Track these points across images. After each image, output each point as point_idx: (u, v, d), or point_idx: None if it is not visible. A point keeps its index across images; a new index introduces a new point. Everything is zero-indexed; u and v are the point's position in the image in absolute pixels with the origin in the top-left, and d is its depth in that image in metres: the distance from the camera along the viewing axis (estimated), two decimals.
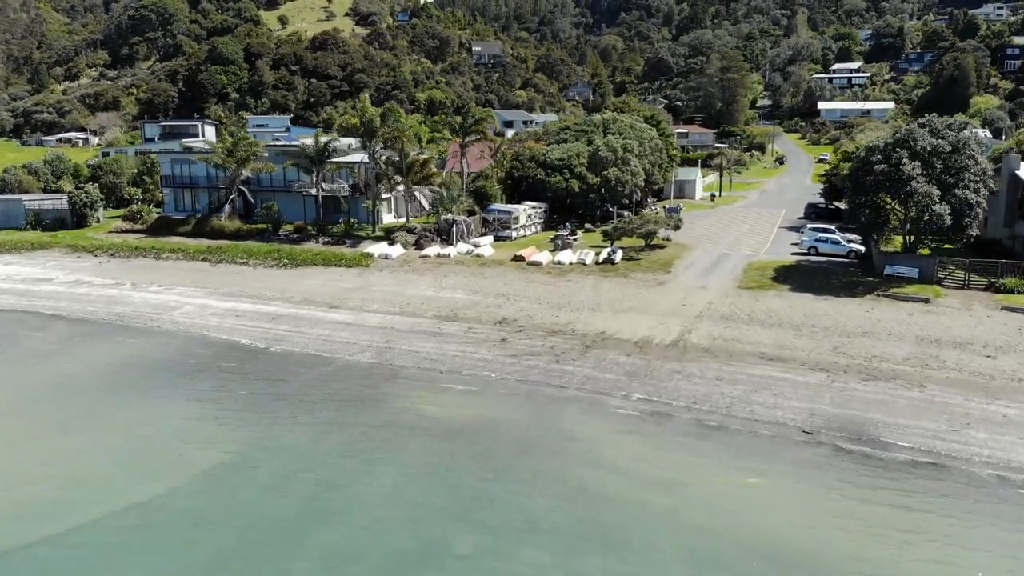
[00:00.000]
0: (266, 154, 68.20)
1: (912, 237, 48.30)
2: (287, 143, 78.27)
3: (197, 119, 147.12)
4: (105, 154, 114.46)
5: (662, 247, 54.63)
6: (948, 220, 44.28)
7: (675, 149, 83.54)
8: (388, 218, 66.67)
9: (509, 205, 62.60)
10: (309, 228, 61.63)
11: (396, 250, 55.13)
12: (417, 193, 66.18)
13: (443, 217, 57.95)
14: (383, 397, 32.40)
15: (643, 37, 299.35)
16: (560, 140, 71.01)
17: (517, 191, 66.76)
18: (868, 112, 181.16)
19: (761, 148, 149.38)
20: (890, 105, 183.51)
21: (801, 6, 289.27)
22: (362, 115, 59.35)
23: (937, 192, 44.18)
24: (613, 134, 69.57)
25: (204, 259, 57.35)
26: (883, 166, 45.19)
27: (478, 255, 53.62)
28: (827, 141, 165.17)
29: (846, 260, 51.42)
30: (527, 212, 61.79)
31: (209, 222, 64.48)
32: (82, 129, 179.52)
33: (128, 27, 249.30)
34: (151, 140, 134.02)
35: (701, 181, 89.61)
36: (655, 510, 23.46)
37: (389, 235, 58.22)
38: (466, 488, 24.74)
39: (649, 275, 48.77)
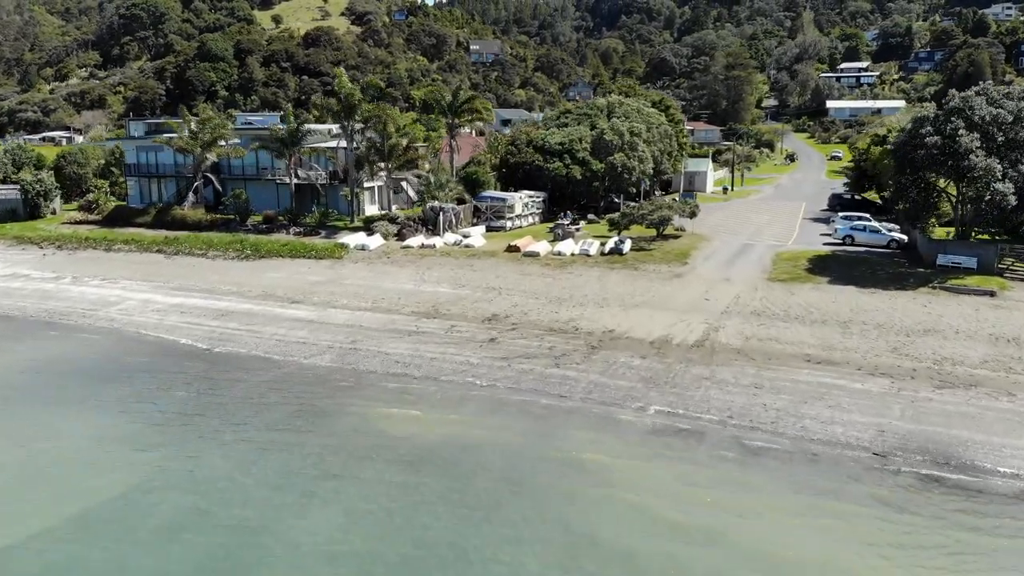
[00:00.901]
0: (237, 140, 61.84)
1: (962, 223, 41.92)
2: (259, 126, 71.84)
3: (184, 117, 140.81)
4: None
5: (676, 237, 48.20)
6: (1013, 200, 37.86)
7: (685, 137, 77.17)
8: (372, 209, 60.12)
9: (504, 193, 56.13)
10: (280, 218, 55.16)
11: (375, 240, 48.69)
12: (404, 184, 59.85)
13: (429, 205, 51.52)
14: (338, 410, 25.88)
15: (644, 40, 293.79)
16: (560, 124, 64.61)
17: (513, 179, 60.32)
18: (879, 111, 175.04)
19: (770, 146, 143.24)
20: (901, 103, 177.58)
21: (805, 8, 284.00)
22: (339, 91, 52.95)
23: (999, 167, 37.77)
24: (618, 118, 63.19)
25: (159, 251, 50.88)
26: (935, 138, 38.76)
27: (467, 246, 47.19)
28: (837, 139, 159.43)
29: (887, 250, 44.93)
30: (523, 201, 55.34)
31: (170, 212, 58.02)
32: (67, 128, 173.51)
33: (119, 27, 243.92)
34: (135, 138, 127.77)
35: (712, 174, 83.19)
36: (693, 573, 16.92)
37: (369, 225, 51.73)
38: (434, 537, 18.20)
39: (663, 267, 42.29)
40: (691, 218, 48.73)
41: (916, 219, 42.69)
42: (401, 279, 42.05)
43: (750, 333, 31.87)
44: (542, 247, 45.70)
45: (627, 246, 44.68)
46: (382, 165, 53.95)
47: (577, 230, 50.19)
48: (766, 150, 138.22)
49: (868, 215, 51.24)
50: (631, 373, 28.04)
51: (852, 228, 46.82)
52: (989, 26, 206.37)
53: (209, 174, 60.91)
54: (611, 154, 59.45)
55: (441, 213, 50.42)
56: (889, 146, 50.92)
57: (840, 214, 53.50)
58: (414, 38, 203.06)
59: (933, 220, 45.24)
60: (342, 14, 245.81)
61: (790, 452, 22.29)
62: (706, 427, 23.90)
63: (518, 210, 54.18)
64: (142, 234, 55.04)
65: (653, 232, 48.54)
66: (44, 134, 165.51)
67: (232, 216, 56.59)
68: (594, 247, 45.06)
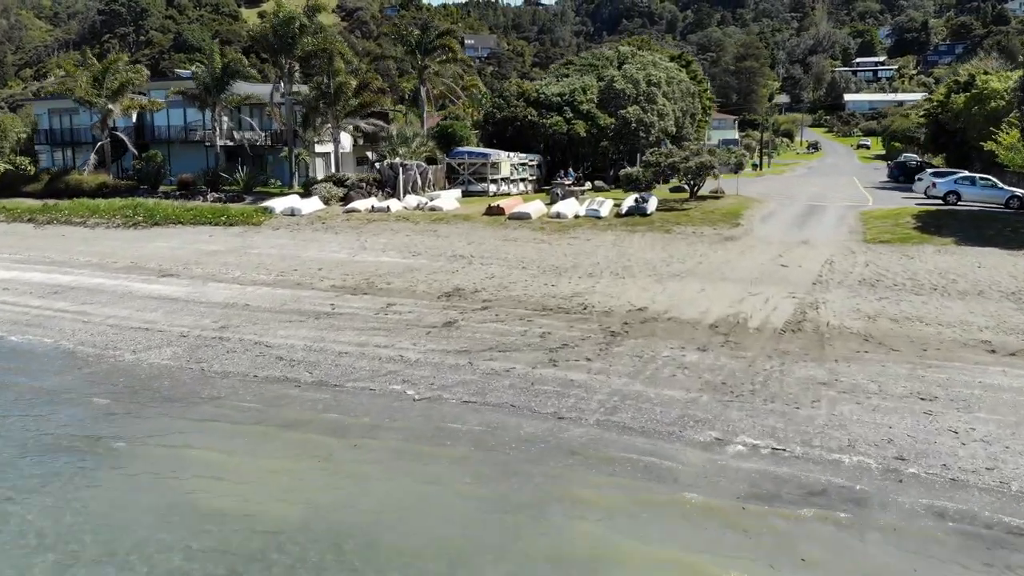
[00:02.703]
0: (162, 99, 49.67)
1: None
2: (184, 77, 59.65)
3: None
4: None
5: (715, 198, 35.82)
6: None
7: (709, 99, 65.03)
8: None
9: (486, 149, 43.79)
10: (199, 185, 42.81)
11: (311, 204, 36.41)
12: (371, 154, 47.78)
13: (387, 162, 39.22)
14: (136, 444, 13.38)
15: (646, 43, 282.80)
16: (560, 75, 52.38)
17: (501, 139, 47.99)
18: (901, 103, 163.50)
19: (789, 135, 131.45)
20: (921, 96, 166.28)
21: (814, 8, 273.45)
22: (274, 17, 40.79)
23: None
24: (632, 67, 50.99)
25: (30, 220, 38.60)
26: None
27: (433, 209, 34.81)
28: (859, 132, 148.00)
29: (1007, 210, 32.52)
30: (512, 162, 42.96)
31: (64, 178, 45.74)
32: None
33: (101, 26, 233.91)
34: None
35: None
36: None
37: (308, 189, 39.38)
38: None
39: (706, 228, 29.92)
40: (736, 172, 36.32)
41: None
42: (332, 247, 29.65)
43: (871, 310, 19.36)
44: (534, 208, 33.38)
45: (652, 205, 32.39)
46: (327, 110, 41.48)
47: (582, 190, 37.81)
48: (785, 139, 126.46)
49: (965, 172, 38.82)
50: (685, 375, 15.53)
51: (956, 183, 34.41)
52: (1009, 19, 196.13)
53: (122, 135, 48.56)
54: (623, 107, 47.19)
55: (402, 171, 38.03)
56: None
57: (928, 171, 41.08)
58: (406, 31, 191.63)
59: None
60: (333, 11, 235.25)
61: None
62: (858, 482, 11.37)
63: (505, 171, 41.85)
64: (21, 203, 42.71)
65: (682, 196, 36.21)
66: None
67: (136, 182, 44.34)
68: (606, 207, 32.75)
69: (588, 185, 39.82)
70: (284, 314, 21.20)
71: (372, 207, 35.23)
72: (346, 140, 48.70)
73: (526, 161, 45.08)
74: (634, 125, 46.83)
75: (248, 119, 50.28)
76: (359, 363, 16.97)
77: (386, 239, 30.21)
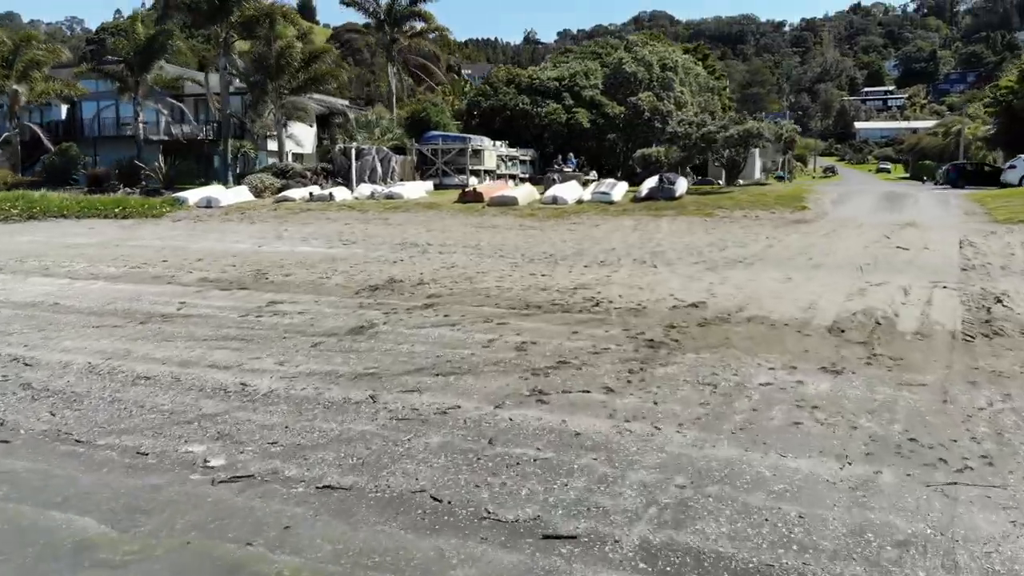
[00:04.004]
0: (89, 89, 41.98)
1: None
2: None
3: None
4: None
5: (760, 184, 27.64)
6: None
7: (729, 98, 57.37)
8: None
9: (463, 134, 35.74)
10: (114, 181, 34.72)
11: (235, 195, 28.32)
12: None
13: (338, 147, 31.20)
14: None
15: None
16: (558, 63, 44.61)
17: (487, 132, 39.94)
18: (915, 131, 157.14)
19: (802, 160, 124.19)
20: (932, 123, 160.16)
21: (818, 42, 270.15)
22: None
23: None
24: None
25: None
26: None
27: (391, 196, 26.61)
28: (874, 159, 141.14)
29: None
30: (498, 153, 34.91)
31: None
32: None
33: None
34: None
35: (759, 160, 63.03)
36: None
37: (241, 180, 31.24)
38: None
39: (762, 212, 21.65)
40: (784, 153, 28.16)
41: None
42: (236, 237, 21.35)
43: None
44: (523, 192, 25.22)
45: (681, 186, 24.17)
46: (271, 92, 33.49)
47: (586, 175, 29.65)
48: (799, 163, 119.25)
49: None
50: (820, 423, 6.98)
51: None
52: (1021, 47, 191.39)
53: (32, 126, 40.65)
54: (634, 93, 39.32)
55: (355, 158, 29.89)
56: None
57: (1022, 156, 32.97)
58: (413, 75, 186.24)
59: None
60: (327, 40, 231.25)
61: None
62: None
63: (489, 163, 33.76)
64: None
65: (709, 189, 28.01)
66: None
67: (44, 178, 36.30)
68: (619, 190, 24.63)
69: (594, 174, 31.47)
70: (102, 316, 12.77)
71: (311, 195, 27.04)
72: (306, 135, 40.76)
73: (517, 155, 37.02)
74: (647, 114, 38.87)
75: (190, 112, 42.53)
76: (158, 398, 8.46)
77: (314, 228, 21.91)
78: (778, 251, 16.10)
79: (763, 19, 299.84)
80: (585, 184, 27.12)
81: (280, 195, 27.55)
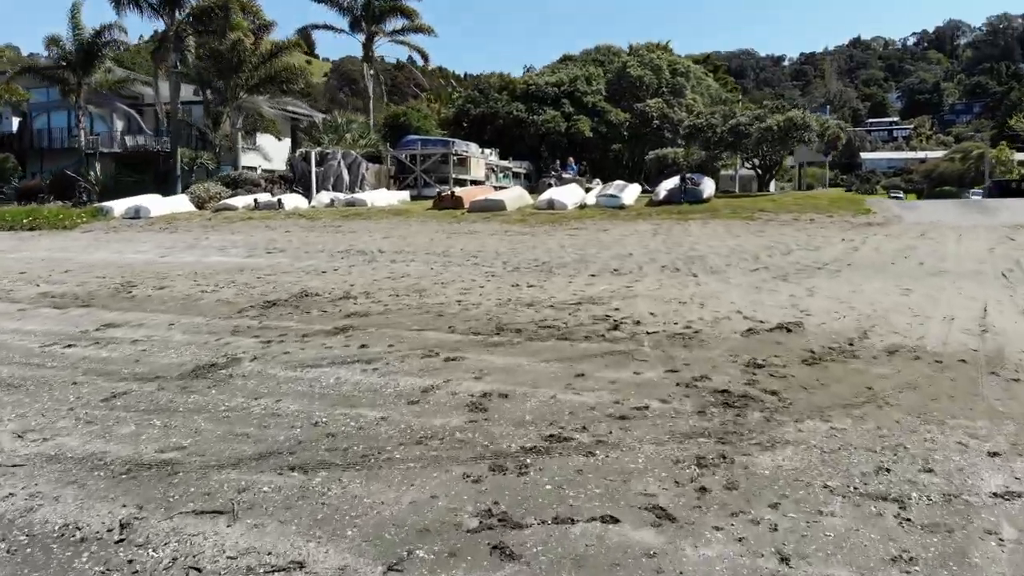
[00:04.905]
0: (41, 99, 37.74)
1: None
2: None
3: None
4: None
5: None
6: None
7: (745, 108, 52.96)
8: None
9: (446, 138, 31.15)
10: (43, 194, 30.17)
11: (170, 205, 23.76)
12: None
13: (298, 152, 26.73)
14: None
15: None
16: (558, 70, 40.35)
17: (478, 142, 35.42)
18: (924, 160, 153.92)
19: (810, 188, 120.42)
20: (942, 154, 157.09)
21: (819, 76, 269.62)
22: None
23: None
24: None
25: None
26: None
27: (352, 203, 21.91)
28: (882, 188, 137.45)
29: None
30: (487, 162, 30.41)
31: None
32: None
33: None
34: None
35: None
36: None
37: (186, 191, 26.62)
38: None
39: (815, 215, 16.78)
40: (826, 155, 23.57)
41: None
42: (143, 247, 16.62)
43: None
44: (512, 196, 20.55)
45: (708, 187, 19.45)
46: (225, 92, 29.03)
47: (588, 182, 25.02)
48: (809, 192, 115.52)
49: None
50: None
51: None
52: None
53: None
54: (641, 99, 34.98)
55: (315, 163, 25.30)
56: None
57: None
58: (396, 90, 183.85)
59: None
60: (324, 74, 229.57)
61: None
62: None
63: (477, 172, 29.17)
64: None
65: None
66: None
67: None
68: (630, 192, 19.89)
69: (597, 182, 26.74)
70: None
71: (256, 203, 22.38)
72: (277, 148, 36.21)
73: (510, 167, 32.53)
74: (656, 123, 34.42)
75: (150, 123, 38.19)
76: None
77: (243, 237, 17.19)
78: (866, 255, 11.35)
79: (763, 54, 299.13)
80: (588, 190, 22.47)
81: (221, 203, 22.93)
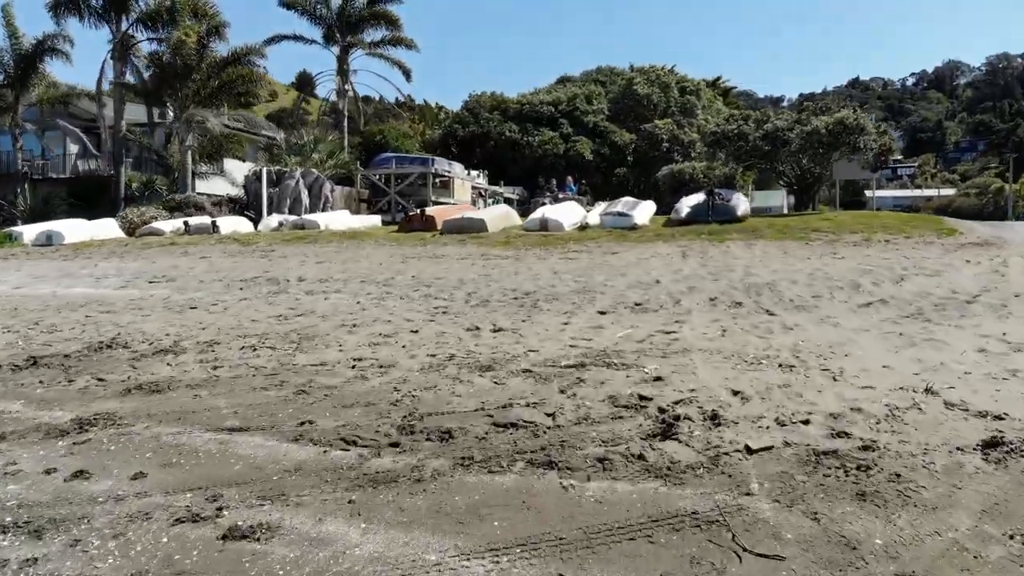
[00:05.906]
0: None
1: None
2: None
3: None
4: None
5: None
6: None
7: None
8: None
9: (423, 155, 27.27)
10: None
11: (87, 230, 19.80)
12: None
13: (251, 171, 22.97)
14: None
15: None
16: (556, 91, 36.82)
17: (468, 166, 31.69)
18: (930, 199, 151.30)
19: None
20: (951, 191, 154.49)
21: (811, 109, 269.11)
22: None
23: None
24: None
25: None
26: None
27: (301, 225, 17.93)
28: None
29: None
30: (474, 185, 26.61)
31: None
32: None
33: None
34: None
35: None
36: None
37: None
38: None
39: (890, 235, 12.74)
40: (874, 171, 19.70)
41: None
42: (11, 277, 12.57)
43: None
44: (494, 215, 16.61)
45: (742, 204, 15.49)
46: (173, 104, 25.30)
47: (588, 203, 21.11)
48: None
49: None
50: None
51: None
52: None
53: None
54: (648, 120, 31.37)
55: (276, 184, 21.44)
56: None
57: None
58: (379, 118, 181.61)
59: None
60: (326, 112, 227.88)
61: None
62: None
63: (462, 196, 25.30)
64: None
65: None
66: None
67: None
68: (643, 211, 15.93)
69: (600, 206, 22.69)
70: None
71: (185, 225, 18.42)
72: (244, 173, 32.35)
73: (501, 191, 28.74)
74: (666, 145, 30.68)
75: (107, 146, 34.50)
76: None
77: (141, 264, 13.22)
78: (1020, 282, 7.33)
79: (761, 95, 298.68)
80: (590, 208, 18.52)
81: (146, 227, 19.04)
